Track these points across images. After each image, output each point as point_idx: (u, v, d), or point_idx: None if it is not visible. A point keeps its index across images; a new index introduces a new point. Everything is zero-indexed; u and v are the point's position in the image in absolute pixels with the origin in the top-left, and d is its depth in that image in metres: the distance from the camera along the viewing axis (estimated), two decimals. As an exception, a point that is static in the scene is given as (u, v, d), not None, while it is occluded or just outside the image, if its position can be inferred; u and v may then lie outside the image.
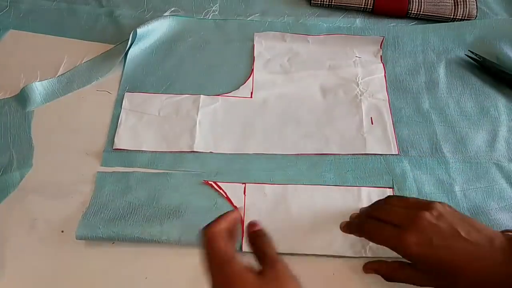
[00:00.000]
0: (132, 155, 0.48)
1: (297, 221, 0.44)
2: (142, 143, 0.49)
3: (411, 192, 0.46)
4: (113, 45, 0.56)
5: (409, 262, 0.36)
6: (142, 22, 0.56)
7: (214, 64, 0.56)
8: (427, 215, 0.35)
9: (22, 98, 0.51)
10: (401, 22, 0.61)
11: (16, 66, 0.55)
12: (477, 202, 0.46)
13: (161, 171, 0.47)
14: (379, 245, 0.38)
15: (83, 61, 0.55)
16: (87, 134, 0.49)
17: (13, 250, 0.42)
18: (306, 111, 0.52)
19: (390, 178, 0.47)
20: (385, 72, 0.55)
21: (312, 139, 0.50)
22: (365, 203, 0.45)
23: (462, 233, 0.34)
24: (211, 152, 0.48)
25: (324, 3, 0.61)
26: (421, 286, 0.36)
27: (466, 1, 0.60)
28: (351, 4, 0.61)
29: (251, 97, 0.53)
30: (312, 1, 0.62)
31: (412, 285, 0.37)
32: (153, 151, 0.48)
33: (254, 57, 0.56)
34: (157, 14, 0.60)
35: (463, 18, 0.60)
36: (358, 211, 0.43)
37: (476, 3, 0.61)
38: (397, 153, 0.49)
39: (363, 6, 0.61)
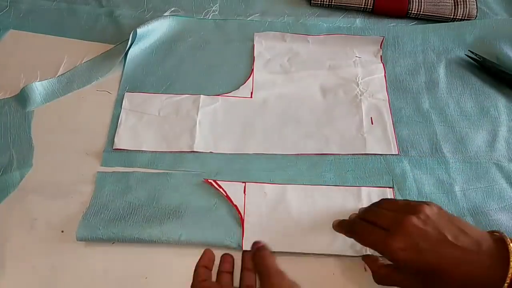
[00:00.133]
0: (132, 155, 0.48)
1: (297, 220, 0.44)
2: (142, 143, 0.49)
3: (411, 192, 0.46)
4: (113, 45, 0.56)
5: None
6: (142, 22, 0.56)
7: (214, 64, 0.56)
8: (414, 219, 0.35)
9: (22, 98, 0.51)
10: (401, 22, 0.61)
11: (16, 66, 0.55)
12: (477, 202, 0.46)
13: (161, 171, 0.47)
14: None
15: (83, 61, 0.55)
16: (87, 134, 0.49)
17: (13, 250, 0.42)
18: (306, 111, 0.52)
19: (390, 178, 0.47)
20: (385, 72, 0.55)
21: (312, 139, 0.50)
22: (365, 203, 0.45)
23: (449, 237, 0.34)
24: (211, 152, 0.48)
25: (324, 3, 0.61)
26: None
27: (466, 1, 0.60)
28: (351, 4, 0.61)
29: (251, 97, 0.53)
30: (312, 1, 0.62)
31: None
32: (153, 151, 0.48)
33: (254, 57, 0.56)
34: (157, 14, 0.60)
35: (463, 18, 0.60)
36: (358, 211, 0.43)
37: (476, 3, 0.61)
38: (397, 153, 0.49)
39: (363, 6, 0.61)
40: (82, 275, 0.41)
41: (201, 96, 0.52)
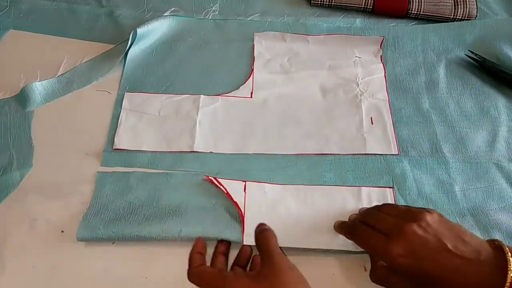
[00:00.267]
0: (132, 155, 0.48)
1: (297, 220, 0.44)
2: (142, 143, 0.49)
3: (411, 192, 0.46)
4: (113, 45, 0.56)
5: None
6: (142, 22, 0.56)
7: (214, 64, 0.56)
8: (414, 226, 0.35)
9: (22, 98, 0.51)
10: (401, 22, 0.61)
11: (16, 66, 0.55)
12: (477, 202, 0.46)
13: (161, 171, 0.47)
14: None
15: (83, 61, 0.55)
16: (87, 134, 0.49)
17: (13, 250, 0.42)
18: (306, 111, 0.52)
19: (390, 178, 0.47)
20: (385, 72, 0.55)
21: (312, 139, 0.50)
22: (365, 203, 0.45)
23: (449, 246, 0.34)
24: (211, 152, 0.48)
25: (324, 3, 0.61)
26: None
27: (466, 1, 0.60)
28: (351, 4, 0.61)
29: (251, 97, 0.53)
30: (312, 1, 0.62)
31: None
32: (153, 151, 0.48)
33: (254, 57, 0.56)
34: (157, 14, 0.60)
35: (463, 18, 0.60)
36: (358, 211, 0.43)
37: (476, 3, 0.61)
38: (397, 153, 0.49)
39: (363, 6, 0.61)
40: (82, 275, 0.41)
41: (201, 96, 0.52)
